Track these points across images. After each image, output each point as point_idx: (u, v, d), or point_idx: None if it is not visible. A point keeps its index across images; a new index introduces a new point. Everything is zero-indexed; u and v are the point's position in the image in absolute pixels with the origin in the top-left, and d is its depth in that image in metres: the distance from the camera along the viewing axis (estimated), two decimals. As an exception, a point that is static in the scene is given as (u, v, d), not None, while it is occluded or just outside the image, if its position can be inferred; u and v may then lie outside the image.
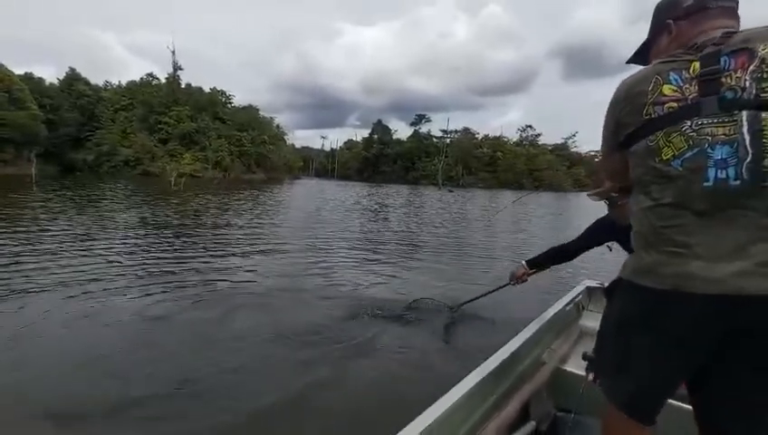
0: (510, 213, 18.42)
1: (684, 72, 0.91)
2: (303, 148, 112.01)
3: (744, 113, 0.83)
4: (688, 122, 0.88)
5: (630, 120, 0.97)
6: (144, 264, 5.38)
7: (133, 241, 6.93)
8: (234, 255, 6.34)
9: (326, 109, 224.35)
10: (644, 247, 0.97)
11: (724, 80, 0.87)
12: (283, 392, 2.44)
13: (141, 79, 51.66)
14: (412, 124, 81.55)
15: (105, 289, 4.22)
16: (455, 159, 70.26)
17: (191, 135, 44.87)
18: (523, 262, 2.43)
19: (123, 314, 3.56)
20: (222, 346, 3.05)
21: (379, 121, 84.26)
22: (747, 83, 0.84)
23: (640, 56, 1.21)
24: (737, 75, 0.85)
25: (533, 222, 15.18)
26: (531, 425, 1.61)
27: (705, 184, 0.86)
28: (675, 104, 0.90)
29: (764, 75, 0.83)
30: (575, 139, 75.27)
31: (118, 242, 6.77)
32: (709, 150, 0.86)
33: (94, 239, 6.86)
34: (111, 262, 5.38)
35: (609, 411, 1.07)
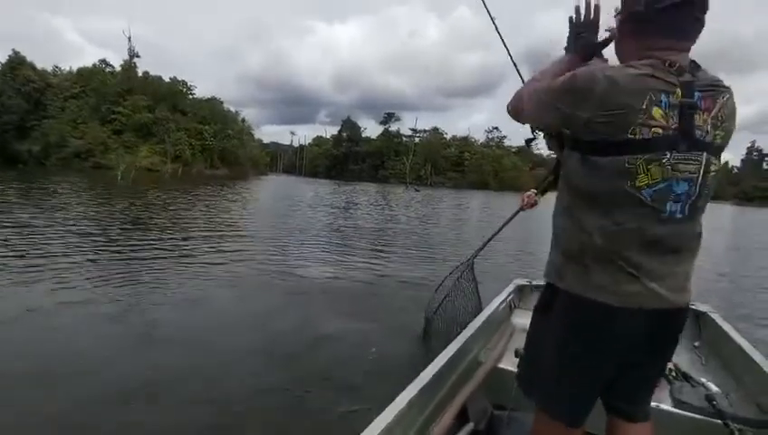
0: (477, 210, 18.69)
1: (671, 97, 0.87)
2: (272, 143, 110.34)
3: (705, 155, 0.90)
4: (668, 154, 0.88)
5: (609, 131, 0.89)
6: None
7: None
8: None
9: (296, 105, 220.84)
10: (598, 263, 0.96)
11: (696, 117, 0.89)
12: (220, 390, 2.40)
13: (94, 65, 48.67)
14: (382, 123, 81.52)
15: None
16: (423, 159, 70.84)
17: (148, 127, 42.67)
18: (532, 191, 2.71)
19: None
20: (160, 348, 2.85)
21: (349, 118, 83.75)
22: (709, 127, 0.90)
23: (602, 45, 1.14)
24: (704, 117, 0.89)
25: (493, 223, 15.41)
26: (469, 426, 1.64)
27: (662, 214, 0.92)
28: (660, 131, 0.87)
29: (718, 123, 0.91)
30: (537, 141, 77.36)
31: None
32: (674, 185, 0.90)
33: None
34: None
35: (540, 418, 1.11)
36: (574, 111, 0.93)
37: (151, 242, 6.60)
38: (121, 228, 7.68)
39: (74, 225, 7.59)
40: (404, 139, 78.77)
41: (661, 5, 0.89)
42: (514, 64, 2.23)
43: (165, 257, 5.61)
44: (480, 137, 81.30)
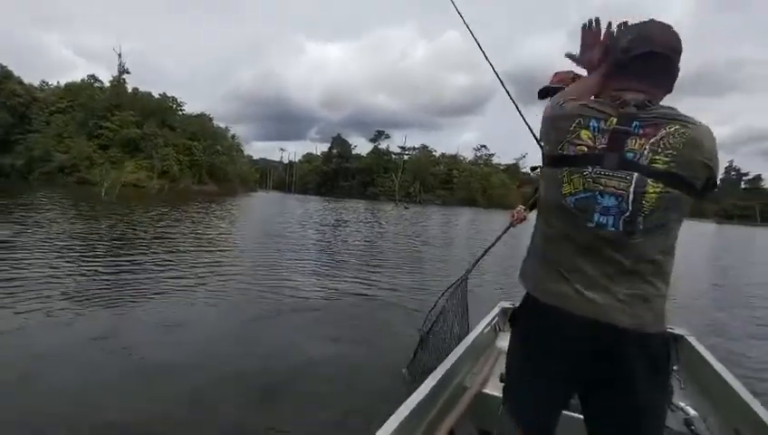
0: (465, 228, 18.80)
1: (602, 123, 1.01)
2: (261, 159, 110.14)
3: (635, 175, 0.97)
4: (590, 168, 1.00)
5: (548, 145, 1.09)
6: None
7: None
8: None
9: (286, 121, 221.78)
10: (541, 263, 1.10)
11: (629, 141, 0.99)
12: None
13: (82, 81, 48.42)
14: (372, 140, 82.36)
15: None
16: (413, 176, 71.42)
17: (136, 142, 42.33)
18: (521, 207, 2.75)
19: None
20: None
21: (339, 136, 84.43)
22: (646, 151, 0.97)
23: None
24: (641, 142, 0.98)
25: (481, 240, 15.50)
26: None
27: (589, 224, 1.00)
28: (585, 149, 1.01)
29: (659, 149, 0.97)
30: (525, 159, 79.24)
31: None
32: (599, 197, 0.99)
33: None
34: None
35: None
36: (541, 129, 1.17)
37: (133, 260, 6.43)
38: (103, 246, 7.48)
39: (54, 241, 7.38)
40: (393, 156, 79.55)
41: (631, 54, 1.05)
42: (501, 83, 2.31)
43: (147, 276, 5.46)
44: (468, 155, 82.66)
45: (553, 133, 1.07)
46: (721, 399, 1.98)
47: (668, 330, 2.69)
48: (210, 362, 3.02)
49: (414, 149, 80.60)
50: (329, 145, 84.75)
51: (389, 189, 69.81)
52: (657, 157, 0.96)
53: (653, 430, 1.05)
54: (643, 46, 1.03)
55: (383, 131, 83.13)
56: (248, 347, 3.39)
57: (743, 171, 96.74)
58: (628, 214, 0.97)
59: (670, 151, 0.96)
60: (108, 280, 5.06)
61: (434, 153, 79.42)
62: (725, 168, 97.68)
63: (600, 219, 0.99)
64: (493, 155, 80.00)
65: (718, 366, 2.15)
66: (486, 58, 2.37)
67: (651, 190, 0.96)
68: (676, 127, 0.98)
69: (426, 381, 1.78)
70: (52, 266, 5.50)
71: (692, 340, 2.54)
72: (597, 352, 1.01)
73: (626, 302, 0.98)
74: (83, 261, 6.02)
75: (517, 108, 2.27)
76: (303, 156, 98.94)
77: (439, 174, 72.87)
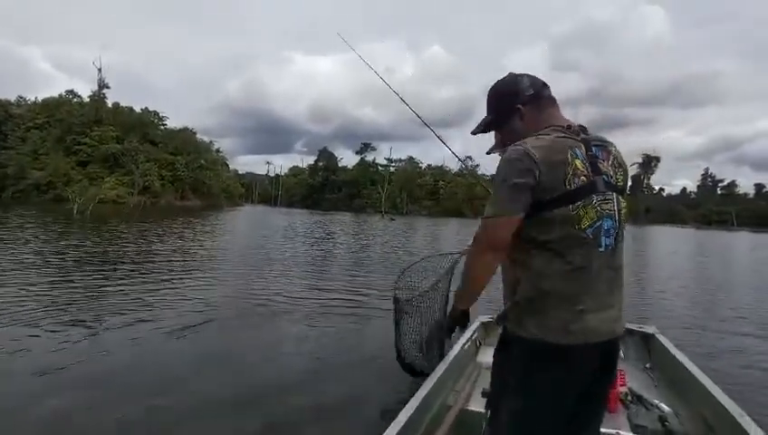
0: (455, 240, 18.82)
1: (581, 151, 1.06)
2: (247, 173, 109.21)
3: (614, 194, 1.09)
4: (595, 197, 1.04)
5: (552, 186, 1.02)
6: None
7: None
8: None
9: (272, 134, 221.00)
10: (555, 306, 1.04)
11: (599, 164, 1.08)
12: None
13: (60, 96, 47.48)
14: (358, 153, 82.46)
15: None
16: (399, 188, 71.63)
17: (116, 157, 41.47)
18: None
19: None
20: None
21: (325, 148, 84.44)
22: (611, 171, 1.11)
23: (486, 129, 1.31)
24: (605, 164, 1.10)
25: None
26: None
27: (600, 249, 1.05)
28: (585, 179, 1.04)
29: (615, 169, 1.12)
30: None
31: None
32: (602, 222, 1.05)
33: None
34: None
35: None
36: (529, 179, 1.01)
37: (91, 278, 6.06)
38: (58, 265, 7.07)
39: None
40: (380, 168, 79.76)
41: (540, 84, 1.19)
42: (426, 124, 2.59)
43: (107, 294, 5.12)
44: (454, 166, 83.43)
45: (550, 170, 1.02)
46: (691, 393, 2.04)
47: (640, 329, 2.63)
48: (186, 385, 2.83)
49: (400, 160, 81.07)
50: (315, 158, 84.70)
51: (376, 201, 69.78)
52: (617, 176, 1.12)
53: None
54: (539, 80, 1.20)
55: (369, 143, 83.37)
56: (227, 364, 3.20)
57: (718, 178, 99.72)
58: (616, 231, 1.08)
59: (620, 170, 1.14)
60: (71, 300, 4.70)
61: (420, 165, 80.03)
62: (702, 175, 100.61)
63: (606, 241, 1.06)
64: (478, 166, 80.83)
65: (687, 362, 2.22)
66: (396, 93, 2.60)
67: (623, 206, 1.11)
68: (613, 148, 1.15)
69: (409, 403, 1.77)
70: None
71: (662, 338, 2.60)
72: (600, 370, 1.08)
73: (621, 310, 1.10)
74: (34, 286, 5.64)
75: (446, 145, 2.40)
76: (290, 169, 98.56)
77: (426, 185, 73.24)
